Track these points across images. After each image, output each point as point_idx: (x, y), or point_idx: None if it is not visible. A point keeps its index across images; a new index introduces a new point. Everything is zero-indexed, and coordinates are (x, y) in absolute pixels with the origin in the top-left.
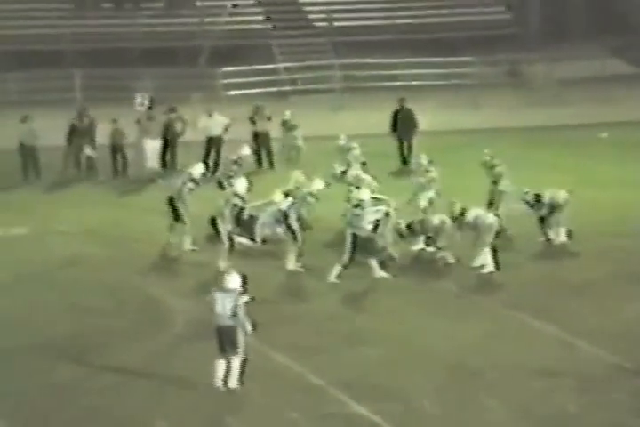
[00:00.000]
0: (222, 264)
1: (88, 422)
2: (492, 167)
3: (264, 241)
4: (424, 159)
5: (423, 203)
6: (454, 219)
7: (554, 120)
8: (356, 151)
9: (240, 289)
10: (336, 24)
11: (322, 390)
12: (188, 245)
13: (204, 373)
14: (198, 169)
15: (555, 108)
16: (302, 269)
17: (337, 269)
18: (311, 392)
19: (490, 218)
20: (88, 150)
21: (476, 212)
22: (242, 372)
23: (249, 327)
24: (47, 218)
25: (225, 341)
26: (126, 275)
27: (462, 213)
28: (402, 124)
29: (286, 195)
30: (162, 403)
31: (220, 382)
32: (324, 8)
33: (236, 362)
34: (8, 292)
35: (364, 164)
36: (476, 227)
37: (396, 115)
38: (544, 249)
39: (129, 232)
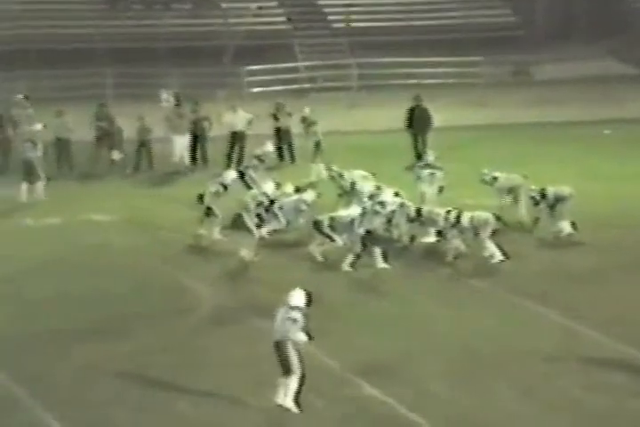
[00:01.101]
0: (248, 254)
1: (114, 404)
2: (492, 183)
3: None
4: (431, 155)
5: (429, 193)
6: (452, 225)
7: (558, 117)
8: (316, 128)
9: (303, 307)
10: (354, 25)
11: (336, 371)
12: (217, 234)
13: (225, 356)
14: (230, 175)
15: (559, 106)
16: (321, 259)
17: (350, 258)
18: (325, 374)
19: (483, 215)
20: (115, 154)
21: (469, 215)
22: (298, 392)
23: (302, 338)
24: (80, 208)
25: (279, 357)
26: (154, 262)
27: (458, 220)
28: (418, 121)
29: (297, 189)
30: (183, 385)
31: (279, 400)
32: (343, 10)
33: (291, 381)
34: (38, 278)
35: (317, 144)
36: (474, 228)
37: (411, 112)
38: (549, 240)
39: (158, 222)
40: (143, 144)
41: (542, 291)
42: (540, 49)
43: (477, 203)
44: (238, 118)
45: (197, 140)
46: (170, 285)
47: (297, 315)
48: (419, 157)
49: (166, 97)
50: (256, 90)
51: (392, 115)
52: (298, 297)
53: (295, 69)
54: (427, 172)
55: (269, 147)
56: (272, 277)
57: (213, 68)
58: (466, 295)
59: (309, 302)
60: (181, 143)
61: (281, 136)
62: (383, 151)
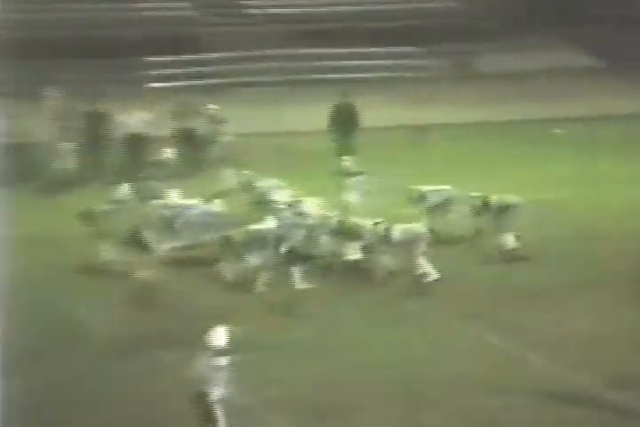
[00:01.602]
0: (147, 275)
1: None
2: (422, 201)
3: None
4: (347, 161)
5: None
6: (381, 240)
7: (503, 115)
8: (226, 128)
9: (224, 346)
10: (272, 11)
11: (251, 411)
12: (111, 253)
13: (124, 394)
14: (126, 188)
15: (505, 103)
16: (233, 279)
17: (265, 277)
18: (238, 415)
19: (416, 227)
20: None
21: (399, 227)
22: None
23: (225, 391)
24: None
25: (199, 409)
26: (36, 287)
27: (387, 234)
28: (342, 120)
29: (202, 201)
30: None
31: None
32: None
33: None
34: None
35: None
36: (405, 242)
37: (335, 110)
38: (492, 255)
39: (41, 239)
40: (21, 149)
41: (483, 312)
42: (487, 38)
43: (410, 213)
44: (135, 119)
45: (89, 143)
46: (56, 314)
47: (221, 360)
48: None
49: (54, 95)
50: (156, 85)
51: (318, 114)
52: (219, 336)
53: (204, 62)
54: (352, 179)
55: (169, 152)
56: (176, 302)
57: (107, 60)
58: (397, 318)
59: (232, 340)
60: (70, 147)
61: (185, 139)
62: (306, 155)
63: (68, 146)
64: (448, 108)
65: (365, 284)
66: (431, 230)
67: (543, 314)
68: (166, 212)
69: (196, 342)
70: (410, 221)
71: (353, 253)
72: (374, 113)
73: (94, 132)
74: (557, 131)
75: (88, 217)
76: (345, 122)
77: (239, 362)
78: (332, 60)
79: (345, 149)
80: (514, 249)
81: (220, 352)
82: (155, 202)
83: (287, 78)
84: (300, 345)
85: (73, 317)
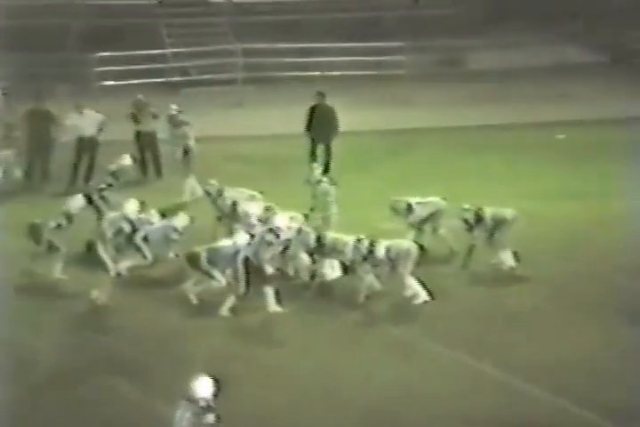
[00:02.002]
0: (101, 296)
1: None
2: (407, 214)
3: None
4: (317, 169)
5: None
6: (364, 258)
7: (499, 119)
8: (187, 130)
9: (210, 399)
10: (236, 0)
11: None
12: (58, 272)
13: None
14: (77, 202)
15: (500, 105)
16: (196, 301)
17: (230, 300)
18: None
19: (403, 244)
20: None
21: (385, 244)
22: None
23: None
24: None
25: None
26: None
27: (371, 250)
28: (319, 123)
29: (163, 213)
30: None
31: None
32: None
33: None
34: None
35: (187, 152)
36: (392, 260)
37: (312, 112)
38: (486, 275)
39: None
40: None
41: (474, 338)
42: (477, 32)
43: (395, 228)
44: (86, 120)
45: (36, 147)
46: None
47: (207, 414)
48: (325, 169)
49: None
50: (109, 83)
51: (288, 116)
52: (203, 386)
53: (161, 58)
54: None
55: (127, 159)
56: (132, 326)
57: (52, 54)
58: (379, 344)
59: (217, 391)
60: (11, 153)
61: (143, 143)
62: (277, 162)
63: (8, 152)
64: (431, 110)
65: (346, 306)
66: (420, 247)
67: (539, 339)
68: (123, 226)
69: (151, 369)
70: (395, 237)
71: (332, 272)
72: (348, 115)
73: (39, 136)
74: (560, 136)
75: (35, 231)
76: (323, 125)
77: None
78: (303, 55)
79: (322, 155)
80: (512, 268)
81: (205, 406)
82: (110, 215)
83: (254, 76)
84: (269, 374)
85: (15, 341)
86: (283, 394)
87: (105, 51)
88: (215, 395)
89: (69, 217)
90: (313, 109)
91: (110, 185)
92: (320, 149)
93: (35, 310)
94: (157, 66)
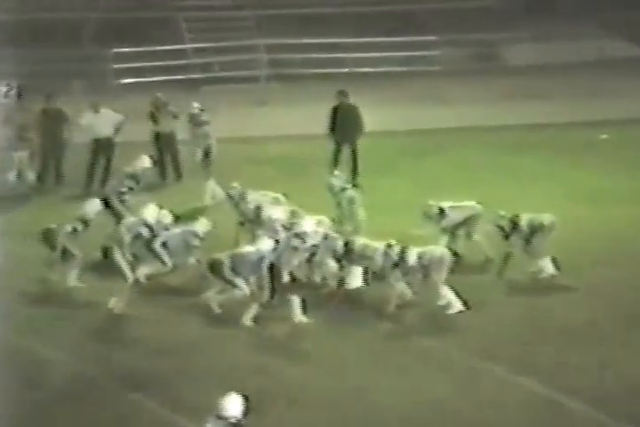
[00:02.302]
0: (118, 304)
1: None
2: (439, 219)
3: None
4: (338, 179)
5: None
6: (395, 265)
7: (537, 117)
8: (208, 130)
9: (240, 418)
10: None
11: None
12: (74, 280)
13: None
14: (93, 206)
15: (538, 102)
16: (219, 311)
17: (253, 309)
18: None
19: (437, 250)
20: None
21: (417, 250)
22: None
23: None
24: None
25: None
26: None
27: (402, 257)
28: (343, 123)
29: (177, 217)
30: None
31: None
32: None
33: None
34: None
35: (208, 153)
36: (424, 267)
37: (335, 112)
38: (524, 284)
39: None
40: None
41: (514, 352)
42: (514, 25)
43: (427, 234)
44: (102, 120)
45: (49, 149)
46: (6, 350)
47: None
48: (354, 172)
49: (6, 91)
50: (127, 81)
51: (314, 114)
52: (233, 404)
53: (182, 53)
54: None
55: (145, 162)
56: (151, 337)
57: (68, 49)
58: (412, 358)
59: (247, 411)
60: (24, 153)
61: (161, 144)
62: (302, 164)
63: (22, 153)
64: (465, 108)
65: (375, 316)
66: (453, 253)
67: (585, 354)
68: (142, 231)
69: (171, 382)
70: (427, 243)
71: (362, 279)
72: (377, 114)
73: (51, 137)
74: (603, 136)
75: (49, 236)
76: (347, 126)
77: None
78: (330, 51)
79: (347, 158)
80: (552, 276)
81: (236, 424)
82: (129, 220)
83: (278, 73)
84: (293, 389)
85: (27, 353)
86: (308, 411)
87: (122, 46)
88: (245, 413)
89: (85, 222)
90: (335, 109)
91: (131, 189)
92: (345, 152)
93: (49, 320)
94: (177, 62)
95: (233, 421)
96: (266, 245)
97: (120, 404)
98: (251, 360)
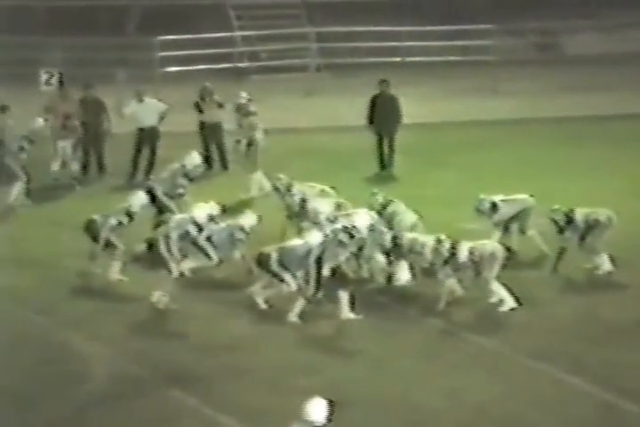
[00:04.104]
0: (162, 299)
1: None
2: (491, 214)
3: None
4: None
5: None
6: (445, 261)
7: (597, 109)
8: (255, 121)
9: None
10: None
11: None
12: (116, 273)
13: None
14: (139, 199)
15: (599, 93)
16: (265, 306)
17: (299, 305)
18: None
19: (488, 245)
20: None
21: (468, 245)
22: None
23: None
24: None
25: None
26: (26, 314)
27: (453, 253)
28: (381, 114)
29: (223, 209)
30: None
31: None
32: None
33: None
34: None
35: (251, 144)
36: (476, 264)
37: (373, 102)
38: (580, 281)
39: (30, 255)
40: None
41: (568, 351)
42: (575, 13)
43: (479, 228)
44: (147, 109)
45: (90, 139)
46: (49, 345)
47: None
48: (382, 165)
49: (48, 78)
50: (172, 69)
51: (364, 105)
52: (318, 411)
53: (229, 41)
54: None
55: (196, 158)
56: (195, 332)
57: (111, 37)
58: (462, 357)
59: (331, 416)
60: (66, 143)
61: (207, 134)
62: (350, 156)
63: (65, 143)
64: (521, 99)
65: (425, 313)
66: (506, 249)
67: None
68: (190, 229)
69: (215, 380)
70: (479, 238)
71: (411, 276)
72: (429, 105)
73: (91, 127)
74: None
75: (92, 228)
76: (385, 117)
77: None
78: (381, 40)
79: (385, 150)
80: (609, 273)
81: None
82: (178, 217)
83: (328, 62)
84: (341, 388)
85: (68, 348)
86: (354, 411)
87: (167, 34)
88: (330, 419)
89: (130, 215)
90: (374, 100)
91: (183, 186)
92: (386, 145)
93: (90, 314)
94: (224, 50)
95: (318, 425)
96: (314, 238)
97: (163, 402)
98: (296, 358)
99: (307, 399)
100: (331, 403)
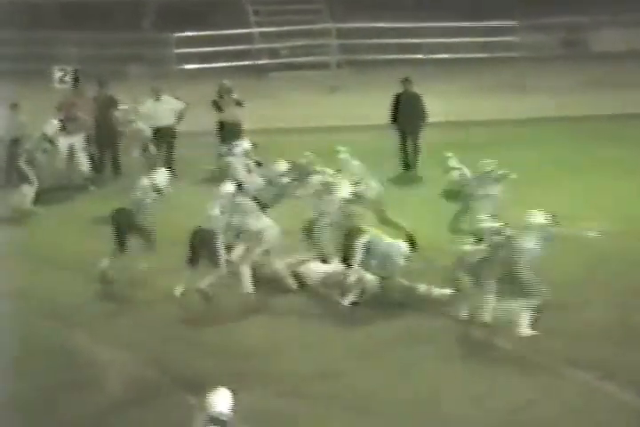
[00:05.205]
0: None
1: None
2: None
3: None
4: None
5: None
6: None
7: (627, 107)
8: None
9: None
10: None
11: None
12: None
13: None
14: (161, 176)
15: (628, 91)
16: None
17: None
18: None
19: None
20: None
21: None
22: None
23: None
24: None
25: None
26: (40, 316)
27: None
28: (404, 113)
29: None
30: None
31: None
32: None
33: None
34: None
35: None
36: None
37: (397, 100)
38: (613, 284)
39: (50, 254)
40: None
41: (601, 356)
42: (602, 8)
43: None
44: (163, 108)
45: (103, 138)
46: (64, 350)
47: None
48: (406, 165)
49: (61, 76)
50: (190, 66)
51: (386, 103)
52: (222, 401)
53: (247, 38)
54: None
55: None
56: (213, 338)
57: (127, 33)
58: (493, 362)
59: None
60: (76, 142)
61: (226, 133)
62: (372, 155)
63: (68, 140)
64: (547, 97)
65: (449, 318)
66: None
67: None
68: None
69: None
70: None
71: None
72: (453, 103)
73: (105, 125)
74: None
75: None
76: (409, 115)
77: None
78: (404, 36)
79: (409, 149)
80: None
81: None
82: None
83: (350, 59)
84: (363, 394)
85: (85, 353)
86: (378, 419)
87: (183, 30)
88: (233, 409)
89: (159, 191)
90: (398, 98)
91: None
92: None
93: (107, 318)
94: (243, 47)
95: (223, 418)
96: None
97: (178, 408)
98: (316, 363)
99: (327, 405)
100: (233, 392)
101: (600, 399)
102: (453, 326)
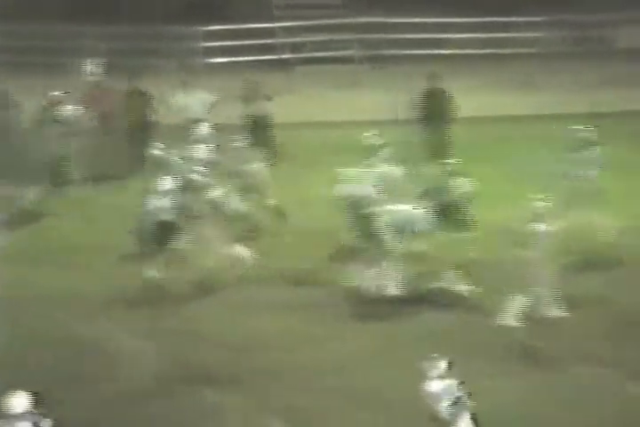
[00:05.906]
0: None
1: None
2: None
3: None
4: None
5: None
6: None
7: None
8: None
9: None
10: None
11: None
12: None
13: None
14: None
15: None
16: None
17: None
18: None
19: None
20: None
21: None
22: None
23: None
24: None
25: None
26: (55, 309)
27: None
28: (431, 109)
29: None
30: None
31: None
32: None
33: None
34: None
35: None
36: None
37: (423, 97)
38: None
39: (67, 252)
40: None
41: (627, 354)
42: (623, 4)
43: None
44: (194, 101)
45: (135, 131)
46: (79, 343)
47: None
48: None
49: (92, 69)
50: (217, 60)
51: (409, 98)
52: (19, 402)
53: (271, 32)
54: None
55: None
56: (229, 332)
57: (154, 27)
58: (505, 356)
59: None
60: (109, 135)
61: (255, 127)
62: (396, 151)
63: (107, 135)
64: (567, 94)
65: (472, 314)
66: None
67: None
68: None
69: (249, 379)
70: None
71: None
72: (475, 99)
73: (137, 119)
74: None
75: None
76: (436, 111)
77: None
78: (426, 31)
79: (436, 144)
80: None
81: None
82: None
83: (371, 54)
84: (381, 395)
85: (101, 347)
86: (389, 413)
87: (211, 24)
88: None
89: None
90: (424, 94)
91: None
92: (436, 139)
93: (124, 312)
94: (267, 41)
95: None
96: None
97: (193, 401)
98: (332, 358)
99: (342, 400)
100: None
101: (629, 399)
102: (470, 323)
